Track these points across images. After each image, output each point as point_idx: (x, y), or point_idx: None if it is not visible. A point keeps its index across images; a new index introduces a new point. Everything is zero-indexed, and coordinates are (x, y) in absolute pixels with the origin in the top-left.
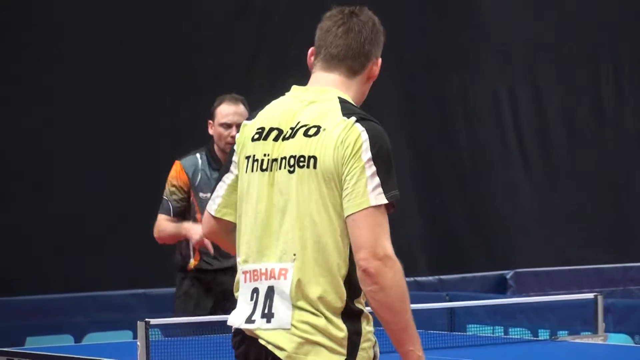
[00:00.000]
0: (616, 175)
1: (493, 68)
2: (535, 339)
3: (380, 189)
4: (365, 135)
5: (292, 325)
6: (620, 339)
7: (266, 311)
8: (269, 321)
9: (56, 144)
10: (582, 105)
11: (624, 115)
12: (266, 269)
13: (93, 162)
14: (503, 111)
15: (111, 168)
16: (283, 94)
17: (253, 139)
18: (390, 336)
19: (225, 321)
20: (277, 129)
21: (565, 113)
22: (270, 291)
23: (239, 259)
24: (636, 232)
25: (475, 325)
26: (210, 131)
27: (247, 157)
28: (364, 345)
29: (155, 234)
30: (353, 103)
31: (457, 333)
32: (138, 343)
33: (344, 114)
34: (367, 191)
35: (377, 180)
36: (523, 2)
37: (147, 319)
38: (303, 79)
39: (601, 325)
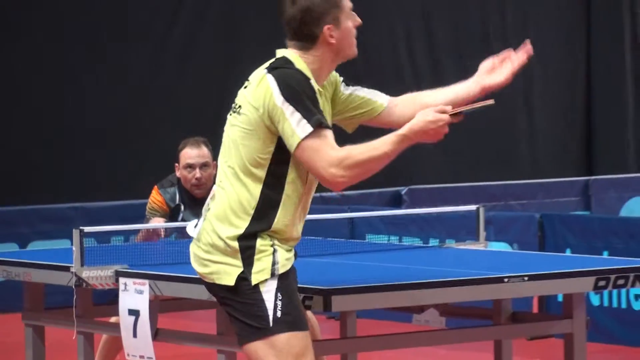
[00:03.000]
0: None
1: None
2: (425, 245)
3: (304, 121)
4: (273, 83)
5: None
6: (499, 246)
7: None
8: None
9: None
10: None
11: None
12: None
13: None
14: (400, 48)
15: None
16: None
17: None
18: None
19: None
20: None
21: (454, 45)
22: None
23: None
24: (516, 154)
25: (373, 235)
26: (177, 173)
27: None
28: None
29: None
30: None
31: (357, 240)
32: (73, 249)
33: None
34: (293, 130)
35: (297, 115)
36: None
37: (81, 227)
38: None
39: (482, 234)
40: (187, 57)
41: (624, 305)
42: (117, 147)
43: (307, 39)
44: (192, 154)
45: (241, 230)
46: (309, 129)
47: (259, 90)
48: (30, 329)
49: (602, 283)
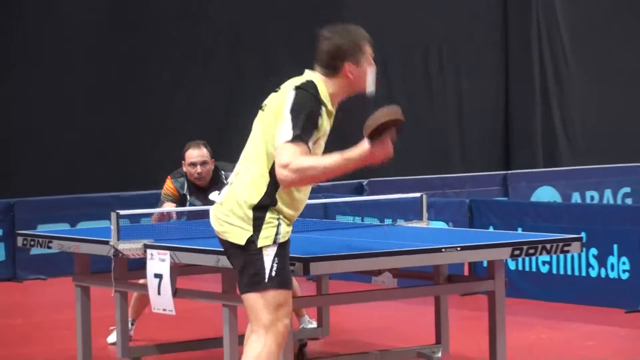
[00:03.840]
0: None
1: None
2: (382, 224)
3: (290, 131)
4: (291, 96)
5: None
6: (438, 225)
7: None
8: None
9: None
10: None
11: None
12: None
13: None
14: None
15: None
16: None
17: None
18: (338, 173)
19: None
20: None
21: (404, 76)
22: None
23: None
24: (451, 154)
25: (341, 216)
26: (184, 168)
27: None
28: (266, 225)
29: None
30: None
31: (328, 220)
32: (112, 227)
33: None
34: (281, 132)
35: (290, 125)
36: (379, 5)
37: (117, 211)
38: None
39: (425, 215)
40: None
41: (534, 269)
42: (148, 146)
43: (331, 69)
44: (194, 154)
45: (255, 202)
46: (289, 137)
47: (281, 96)
48: (79, 289)
49: (517, 252)
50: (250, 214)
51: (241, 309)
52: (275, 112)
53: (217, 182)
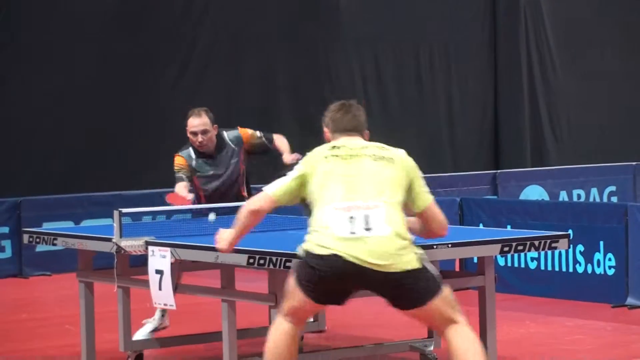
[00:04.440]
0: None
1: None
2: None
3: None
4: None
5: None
6: None
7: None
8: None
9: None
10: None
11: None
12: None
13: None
14: (355, 76)
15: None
16: None
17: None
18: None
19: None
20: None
21: (396, 78)
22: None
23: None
24: (443, 155)
25: None
26: (188, 134)
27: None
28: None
29: (170, 198)
30: None
31: None
32: (114, 225)
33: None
34: (427, 193)
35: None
36: (372, 5)
37: (120, 209)
38: None
39: None
40: (204, 79)
41: (522, 265)
42: (151, 146)
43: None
44: (195, 122)
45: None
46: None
47: (406, 158)
48: (83, 285)
49: (506, 249)
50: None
51: (239, 304)
52: (410, 171)
53: (222, 147)
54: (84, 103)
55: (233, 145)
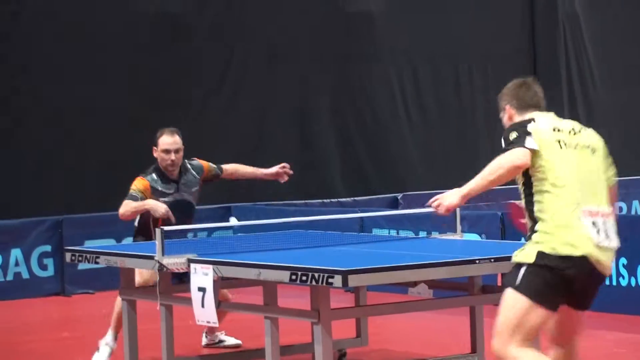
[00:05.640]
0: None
1: (387, 67)
2: (416, 237)
3: None
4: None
5: None
6: (471, 237)
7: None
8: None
9: None
10: (446, 86)
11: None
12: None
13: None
14: (395, 90)
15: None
16: None
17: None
18: None
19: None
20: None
21: (435, 92)
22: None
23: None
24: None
25: (377, 229)
26: (155, 154)
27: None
28: None
29: (120, 211)
30: None
31: (365, 233)
32: (157, 243)
33: None
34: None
35: None
36: (410, 22)
37: (162, 227)
38: None
39: (459, 227)
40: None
41: None
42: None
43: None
44: (168, 140)
45: None
46: None
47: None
48: (125, 303)
49: None
50: None
51: (282, 320)
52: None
53: (185, 172)
54: (122, 121)
55: (195, 174)
